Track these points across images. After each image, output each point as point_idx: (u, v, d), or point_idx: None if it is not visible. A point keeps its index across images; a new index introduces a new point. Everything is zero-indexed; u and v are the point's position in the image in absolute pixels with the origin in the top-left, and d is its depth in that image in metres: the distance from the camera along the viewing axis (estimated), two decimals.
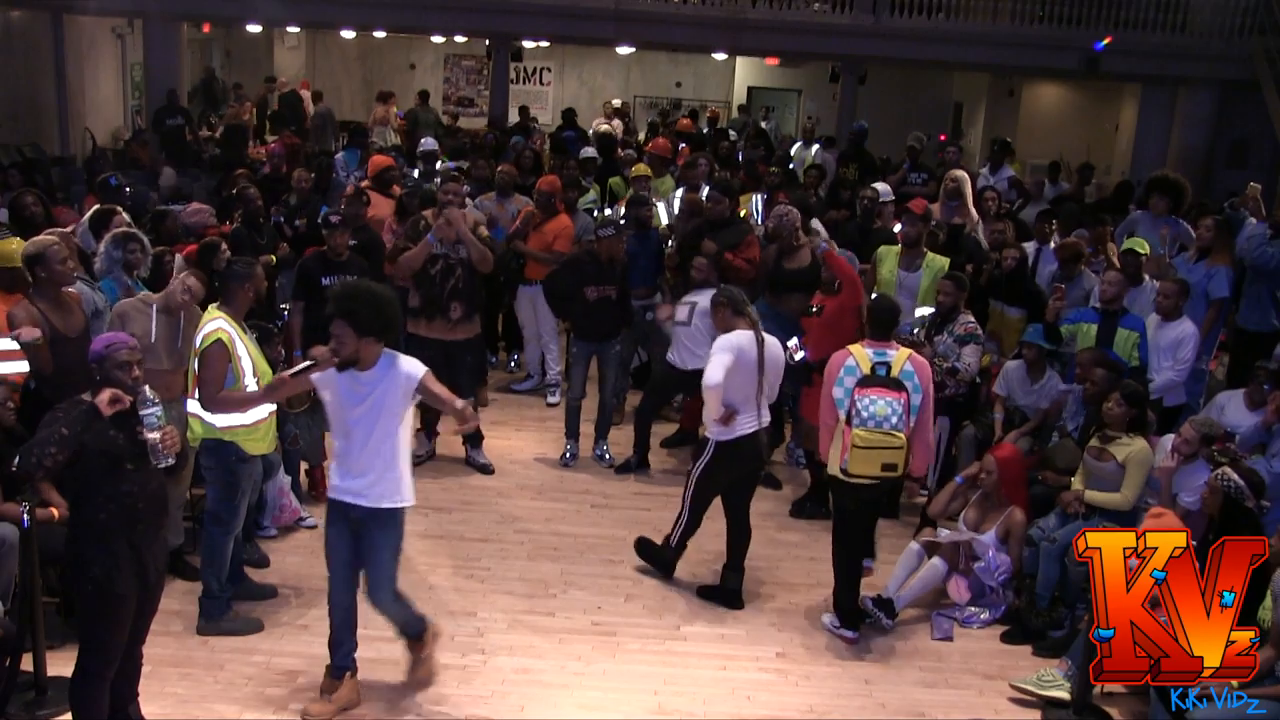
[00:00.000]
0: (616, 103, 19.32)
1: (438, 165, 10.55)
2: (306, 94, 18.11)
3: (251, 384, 5.35)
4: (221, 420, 5.30)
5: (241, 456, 5.39)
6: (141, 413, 4.19)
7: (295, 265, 8.16)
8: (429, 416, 7.55)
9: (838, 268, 7.05)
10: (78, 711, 4.31)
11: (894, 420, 5.44)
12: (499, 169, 9.47)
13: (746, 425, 5.84)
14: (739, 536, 6.08)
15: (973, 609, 6.03)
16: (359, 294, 4.58)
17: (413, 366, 4.70)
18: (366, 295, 4.58)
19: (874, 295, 7.01)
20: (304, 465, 6.86)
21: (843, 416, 5.55)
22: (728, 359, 5.67)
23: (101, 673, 4.28)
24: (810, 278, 7.36)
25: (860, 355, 5.61)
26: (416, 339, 7.19)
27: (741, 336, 5.80)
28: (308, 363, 4.64)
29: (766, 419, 5.98)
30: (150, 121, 15.29)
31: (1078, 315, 7.07)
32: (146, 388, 4.26)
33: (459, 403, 4.75)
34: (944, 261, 7.63)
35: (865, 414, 5.45)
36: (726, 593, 6.07)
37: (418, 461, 7.47)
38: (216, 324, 5.27)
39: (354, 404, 4.64)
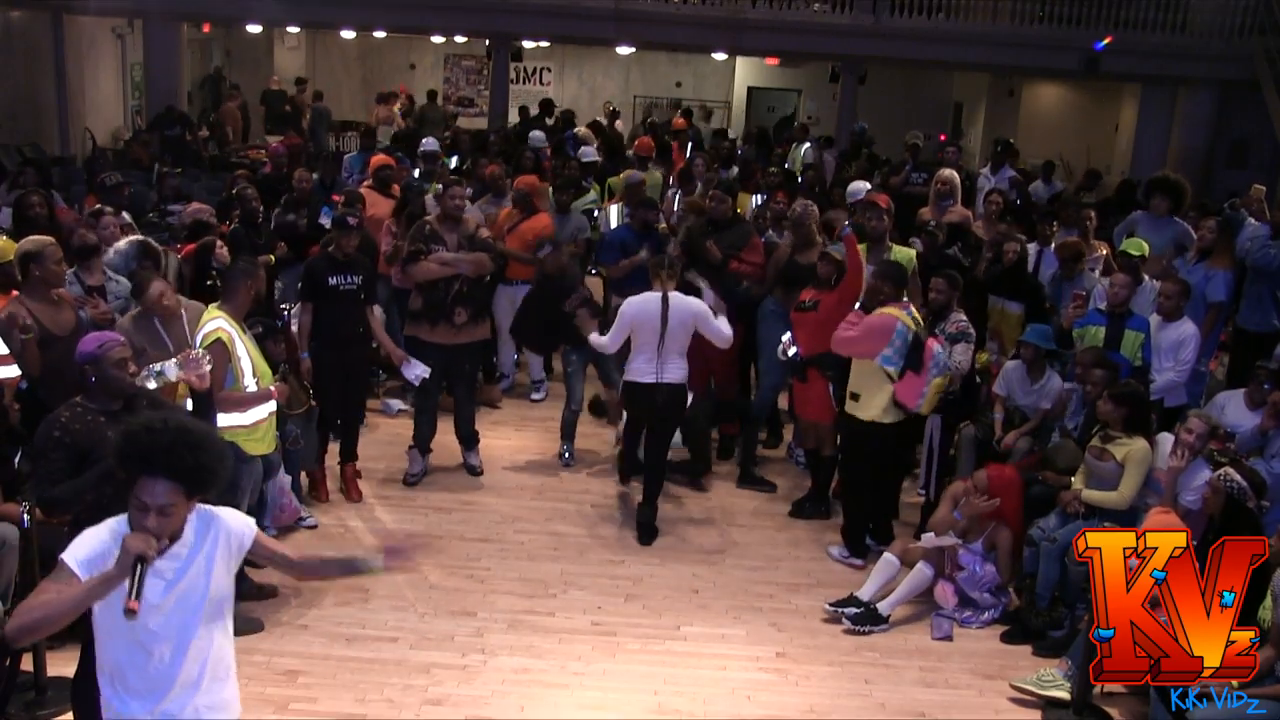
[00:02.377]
0: (613, 106, 19.37)
1: (439, 164, 10.55)
2: (395, 105, 18.17)
3: (251, 384, 5.36)
4: (221, 420, 5.28)
5: (241, 457, 5.38)
6: (151, 385, 4.31)
7: (295, 265, 8.16)
8: (423, 432, 7.34)
9: (852, 261, 7.01)
10: (80, 711, 4.31)
11: (944, 360, 6.38)
12: (489, 170, 9.48)
13: (644, 375, 6.53)
14: (652, 476, 6.80)
15: (969, 611, 6.03)
16: (192, 438, 2.98)
17: (240, 521, 3.24)
18: (201, 439, 3.02)
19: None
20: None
21: (894, 372, 6.23)
22: (620, 325, 6.59)
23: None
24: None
25: (905, 318, 6.25)
26: (418, 343, 7.16)
27: (648, 298, 6.51)
28: (137, 564, 2.86)
29: (672, 376, 6.54)
30: (148, 127, 15.31)
31: (1085, 318, 7.06)
32: (152, 366, 4.36)
33: (295, 557, 3.50)
34: (909, 253, 7.60)
35: (941, 363, 6.30)
36: (638, 525, 6.71)
37: (412, 482, 7.33)
38: (216, 323, 5.27)
39: (158, 595, 3.02)
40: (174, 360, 4.38)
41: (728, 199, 8.16)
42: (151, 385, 4.33)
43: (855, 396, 6.41)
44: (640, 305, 6.52)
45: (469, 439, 7.50)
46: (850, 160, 12.54)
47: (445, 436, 7.62)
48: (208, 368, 4.37)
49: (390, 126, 16.76)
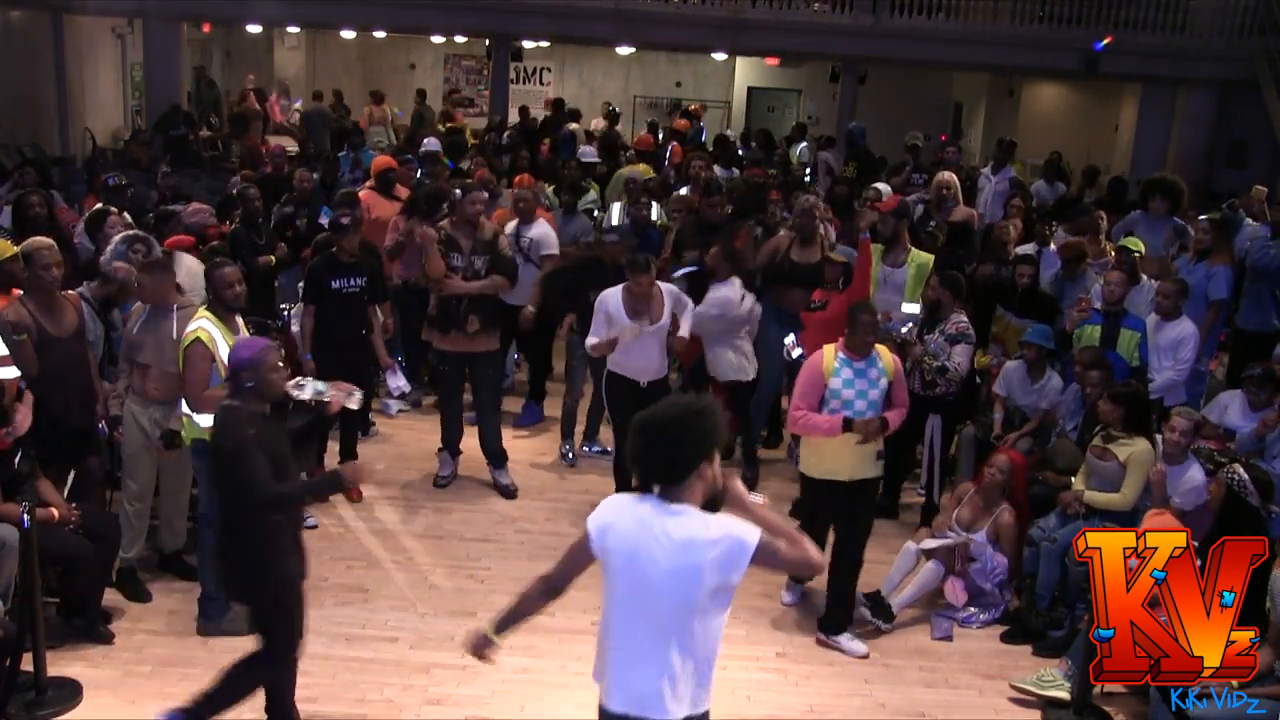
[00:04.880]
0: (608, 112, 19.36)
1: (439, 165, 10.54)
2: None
3: None
4: (208, 420, 5.27)
5: None
6: (300, 396, 4.44)
7: (294, 265, 8.16)
8: (450, 434, 7.30)
9: (862, 263, 6.99)
10: (247, 690, 4.41)
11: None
12: (478, 174, 9.47)
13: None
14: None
15: (972, 609, 6.03)
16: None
17: None
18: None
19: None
20: None
21: None
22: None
23: (284, 657, 4.45)
24: (816, 274, 7.35)
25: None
26: (436, 351, 7.14)
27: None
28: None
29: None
30: (152, 129, 15.31)
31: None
32: (307, 380, 4.52)
33: None
34: (927, 257, 7.56)
35: None
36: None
37: (443, 484, 7.31)
38: (197, 324, 5.26)
39: None
40: (331, 385, 4.52)
41: (720, 199, 8.14)
42: (304, 396, 4.41)
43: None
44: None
45: (497, 456, 7.29)
46: (848, 159, 12.54)
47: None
48: (355, 404, 4.54)
49: (383, 126, 16.75)
